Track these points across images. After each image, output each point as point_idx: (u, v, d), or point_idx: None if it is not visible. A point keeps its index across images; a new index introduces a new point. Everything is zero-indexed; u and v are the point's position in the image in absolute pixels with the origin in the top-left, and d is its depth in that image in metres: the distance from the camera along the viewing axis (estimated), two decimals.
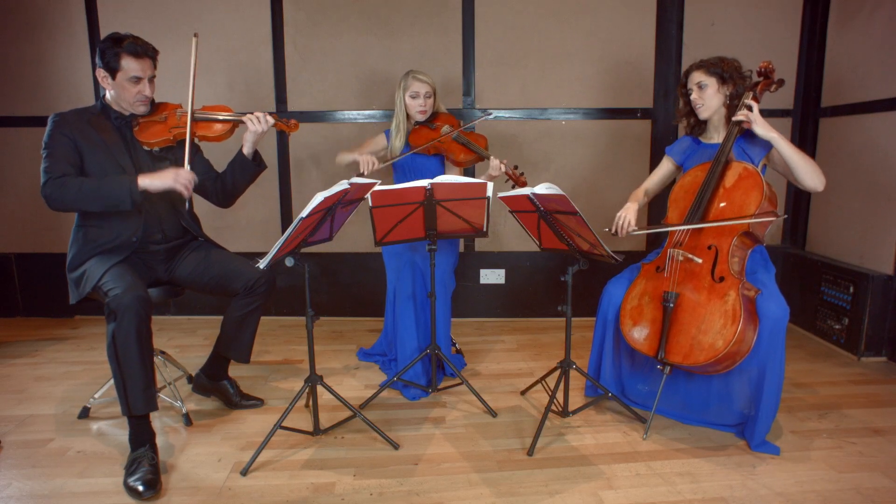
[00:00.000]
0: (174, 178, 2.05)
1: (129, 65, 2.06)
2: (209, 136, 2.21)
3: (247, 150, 2.28)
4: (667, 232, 2.29)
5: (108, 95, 2.17)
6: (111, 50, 2.05)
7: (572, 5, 3.37)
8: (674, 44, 3.37)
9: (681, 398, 2.24)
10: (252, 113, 2.22)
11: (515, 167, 2.59)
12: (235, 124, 2.24)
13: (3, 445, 2.10)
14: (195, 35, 2.16)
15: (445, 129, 2.66)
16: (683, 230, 2.17)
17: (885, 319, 2.85)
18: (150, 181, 2.03)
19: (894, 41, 2.82)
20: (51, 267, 3.50)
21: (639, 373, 2.34)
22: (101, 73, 2.09)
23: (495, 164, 2.52)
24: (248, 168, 2.31)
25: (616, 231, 2.25)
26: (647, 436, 2.15)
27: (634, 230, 2.22)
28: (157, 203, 2.22)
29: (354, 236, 3.54)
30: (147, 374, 1.90)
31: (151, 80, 2.14)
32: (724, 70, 2.20)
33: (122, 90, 2.10)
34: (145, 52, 2.09)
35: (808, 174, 2.10)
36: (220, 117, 2.22)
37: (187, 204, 2.17)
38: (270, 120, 2.25)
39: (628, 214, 2.25)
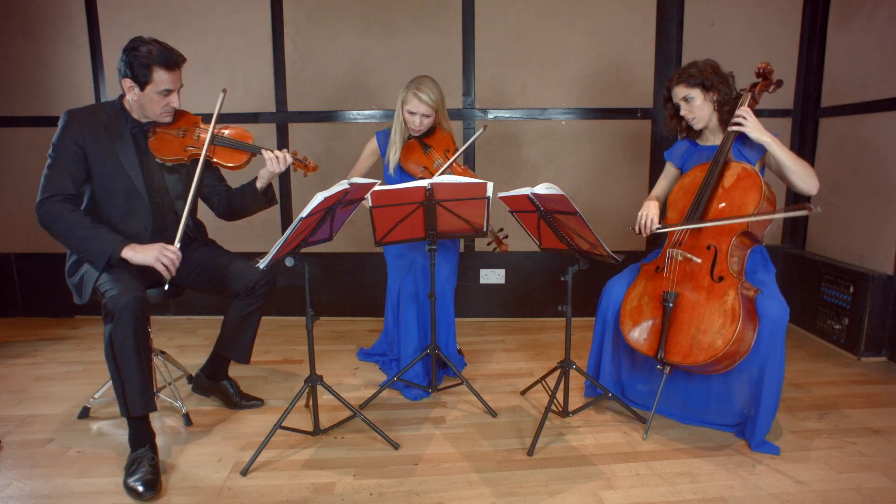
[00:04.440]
0: (157, 257, 1.93)
1: (161, 77, 1.97)
2: (224, 164, 2.13)
3: (259, 185, 2.20)
4: (666, 232, 2.29)
5: (128, 100, 2.07)
6: (142, 60, 1.94)
7: (572, 5, 3.37)
8: (674, 44, 3.37)
9: (681, 398, 2.24)
10: (273, 151, 2.13)
11: (501, 229, 2.57)
12: (253, 155, 2.16)
13: (3, 445, 2.10)
14: (224, 91, 2.09)
15: (438, 162, 2.56)
16: (682, 230, 2.17)
17: (885, 319, 2.85)
18: (134, 254, 1.94)
19: (894, 41, 2.82)
20: (51, 267, 3.50)
21: (638, 373, 2.34)
22: (128, 83, 1.98)
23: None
24: (258, 202, 2.24)
25: (640, 230, 2.23)
26: (647, 436, 2.15)
27: (659, 228, 2.20)
28: (164, 215, 2.17)
29: (354, 236, 3.54)
30: (145, 375, 1.89)
31: (179, 90, 2.06)
32: (705, 78, 2.18)
33: (150, 102, 2.02)
34: (176, 62, 2.00)
35: (802, 178, 2.10)
36: (239, 147, 2.13)
37: (167, 286, 2.02)
38: (289, 159, 2.15)
39: (650, 212, 2.23)
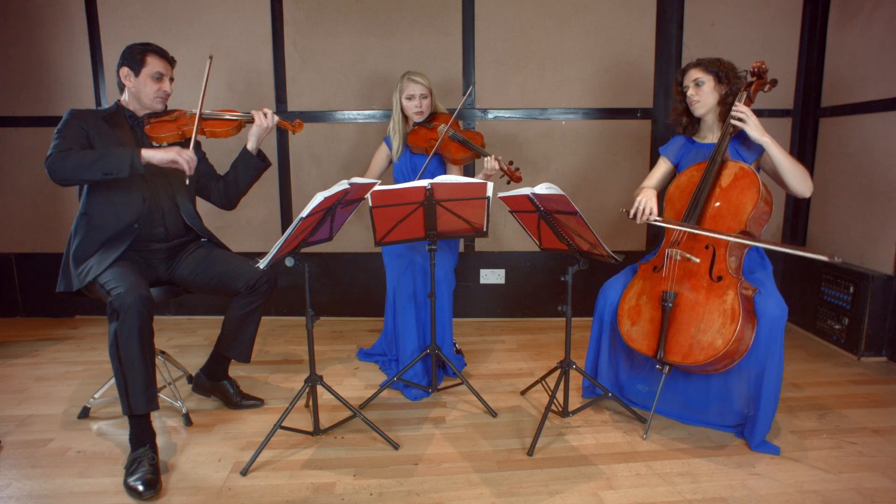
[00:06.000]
0: (177, 152, 2.07)
1: (153, 62, 2.19)
2: (217, 131, 2.26)
3: (251, 146, 2.32)
4: (664, 231, 2.29)
5: (124, 96, 2.24)
6: (136, 49, 2.18)
7: (572, 5, 3.37)
8: (674, 44, 3.37)
9: (680, 398, 2.24)
10: (259, 110, 2.30)
11: (510, 162, 2.58)
12: (242, 122, 2.30)
13: (3, 445, 2.10)
14: (210, 57, 2.27)
15: (442, 127, 2.67)
16: (680, 230, 2.17)
17: (885, 319, 2.85)
18: (153, 153, 2.06)
19: (894, 41, 2.82)
20: (51, 267, 3.49)
21: (637, 373, 2.34)
22: (125, 72, 2.19)
23: (491, 164, 2.52)
24: (251, 164, 2.34)
25: (635, 215, 2.20)
26: (646, 436, 2.15)
27: (657, 220, 2.18)
28: (160, 196, 2.25)
29: (354, 236, 3.54)
30: (148, 374, 1.91)
31: (171, 80, 2.26)
32: (721, 69, 2.22)
33: (144, 87, 2.19)
34: (167, 56, 2.25)
35: (797, 180, 2.11)
36: (228, 117, 2.28)
37: (188, 180, 2.15)
38: (276, 118, 2.31)
39: (650, 201, 2.20)
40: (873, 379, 2.67)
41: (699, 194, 2.14)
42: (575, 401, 2.40)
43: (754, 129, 2.10)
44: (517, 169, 2.56)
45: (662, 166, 2.44)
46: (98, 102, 3.43)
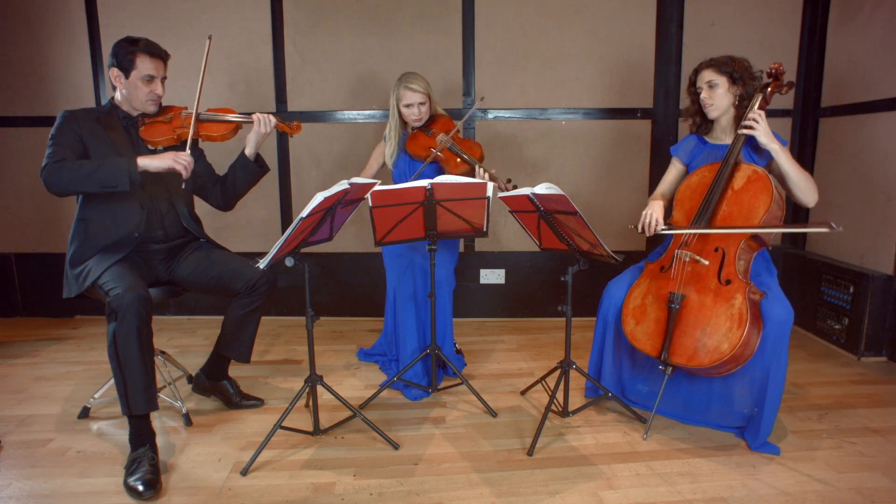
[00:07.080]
0: (173, 158, 2.05)
1: (144, 63, 2.12)
2: (213, 135, 2.23)
3: (249, 151, 2.30)
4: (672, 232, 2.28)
5: (117, 96, 2.21)
6: (126, 49, 2.11)
7: (572, 5, 3.37)
8: (674, 44, 3.37)
9: (682, 399, 2.24)
10: (257, 113, 2.27)
11: (508, 180, 2.56)
12: (239, 125, 2.27)
13: (3, 445, 2.10)
14: (209, 37, 2.22)
15: (440, 137, 2.63)
16: (690, 232, 2.16)
17: (885, 319, 2.85)
18: (150, 161, 2.04)
19: (894, 41, 2.82)
20: (51, 267, 3.50)
21: (639, 373, 2.33)
22: (115, 73, 2.14)
23: (479, 174, 2.51)
24: (249, 169, 2.32)
25: (643, 229, 2.19)
26: (647, 436, 2.15)
27: (663, 228, 2.17)
28: (158, 199, 2.24)
29: (354, 236, 3.54)
30: (147, 374, 1.90)
31: (163, 80, 2.20)
32: (735, 69, 2.17)
33: (135, 89, 2.14)
34: (159, 53, 2.16)
35: (803, 190, 2.11)
36: (225, 118, 2.25)
37: (184, 185, 2.14)
38: (273, 121, 2.28)
39: (655, 212, 2.19)
40: (873, 379, 2.67)
41: (711, 196, 2.12)
42: (577, 401, 2.40)
43: (763, 134, 2.08)
44: (515, 187, 2.55)
45: (675, 168, 2.41)
46: (98, 103, 3.43)
